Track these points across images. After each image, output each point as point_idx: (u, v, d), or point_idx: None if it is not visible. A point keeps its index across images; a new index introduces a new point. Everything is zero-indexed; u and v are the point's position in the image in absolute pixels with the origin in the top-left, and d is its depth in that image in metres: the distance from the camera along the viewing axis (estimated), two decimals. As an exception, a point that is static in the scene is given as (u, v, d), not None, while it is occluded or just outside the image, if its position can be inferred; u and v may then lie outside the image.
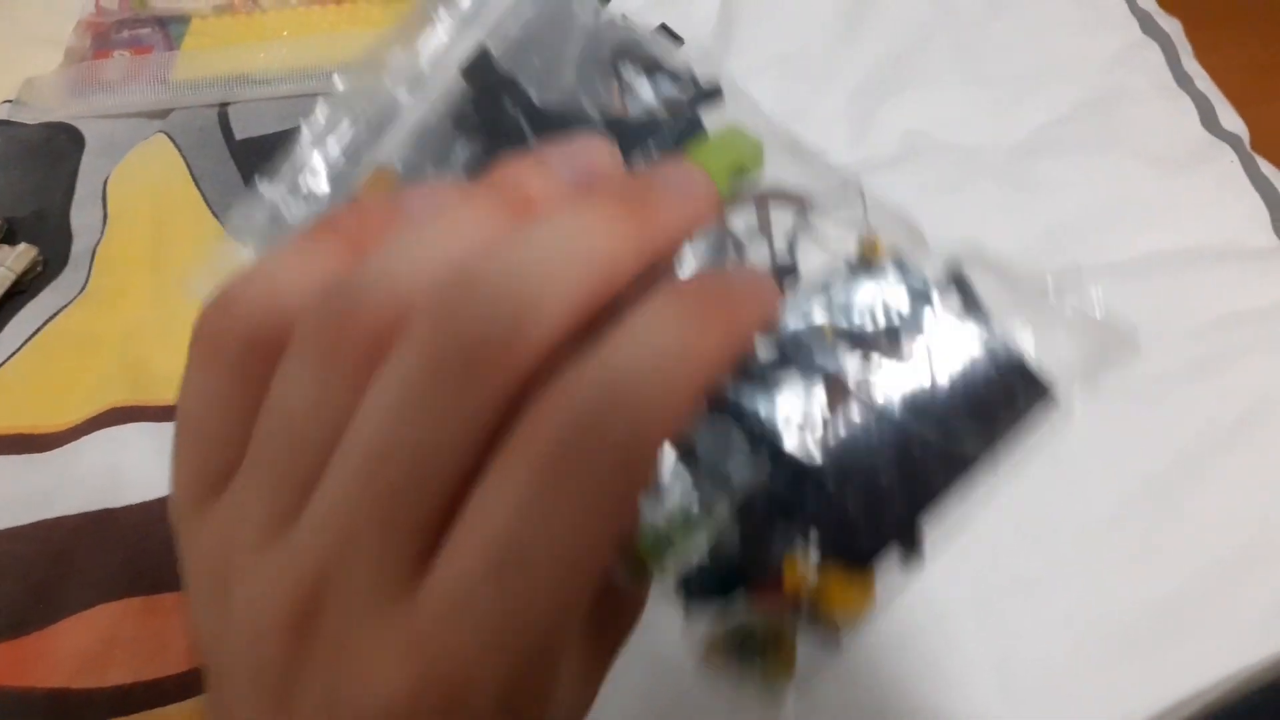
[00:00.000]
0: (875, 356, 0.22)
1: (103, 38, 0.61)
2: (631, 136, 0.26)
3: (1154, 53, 0.55)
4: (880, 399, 0.22)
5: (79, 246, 0.53)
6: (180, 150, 0.55)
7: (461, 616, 0.17)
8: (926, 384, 0.22)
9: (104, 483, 0.44)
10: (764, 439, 0.21)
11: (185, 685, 0.39)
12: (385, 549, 0.17)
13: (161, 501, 0.42)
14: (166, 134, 0.56)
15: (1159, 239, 0.47)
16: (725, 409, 0.22)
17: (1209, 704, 0.37)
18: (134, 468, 0.44)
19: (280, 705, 0.18)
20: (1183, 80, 0.54)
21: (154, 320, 0.49)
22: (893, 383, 0.22)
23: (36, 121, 0.59)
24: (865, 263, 0.24)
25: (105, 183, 0.55)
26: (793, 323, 0.23)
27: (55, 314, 0.50)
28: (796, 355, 0.22)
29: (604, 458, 0.16)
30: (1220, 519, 0.40)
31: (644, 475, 0.17)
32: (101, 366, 0.48)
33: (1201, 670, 0.37)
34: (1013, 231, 0.48)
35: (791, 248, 0.24)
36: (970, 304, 0.23)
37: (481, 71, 0.26)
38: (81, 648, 0.40)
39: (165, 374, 0.47)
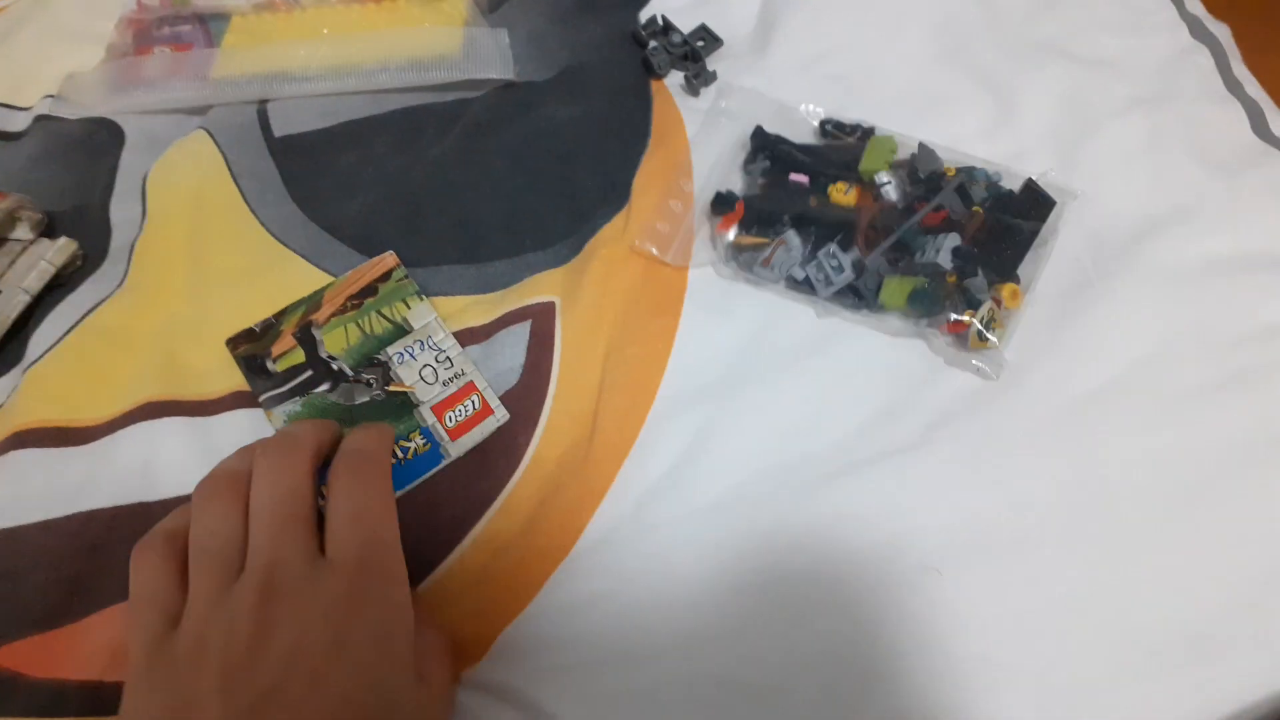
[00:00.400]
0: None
1: (144, 34, 0.61)
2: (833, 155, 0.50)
3: (1204, 58, 0.54)
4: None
5: (118, 241, 0.53)
6: (220, 147, 0.56)
7: (348, 547, 0.34)
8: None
9: (139, 476, 0.44)
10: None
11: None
12: (296, 538, 0.34)
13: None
14: (206, 130, 0.56)
15: (1207, 245, 0.46)
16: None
17: (1253, 723, 0.36)
18: (169, 462, 0.44)
19: (252, 659, 0.31)
20: (1233, 86, 0.53)
21: (190, 316, 0.49)
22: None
23: (77, 117, 0.59)
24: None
25: (145, 178, 0.55)
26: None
27: (93, 308, 0.50)
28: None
29: (364, 469, 0.37)
30: (1262, 532, 0.39)
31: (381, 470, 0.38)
32: (138, 361, 0.48)
33: (1243, 687, 0.37)
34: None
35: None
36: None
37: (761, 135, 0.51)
38: (114, 642, 0.40)
39: (200, 369, 0.47)
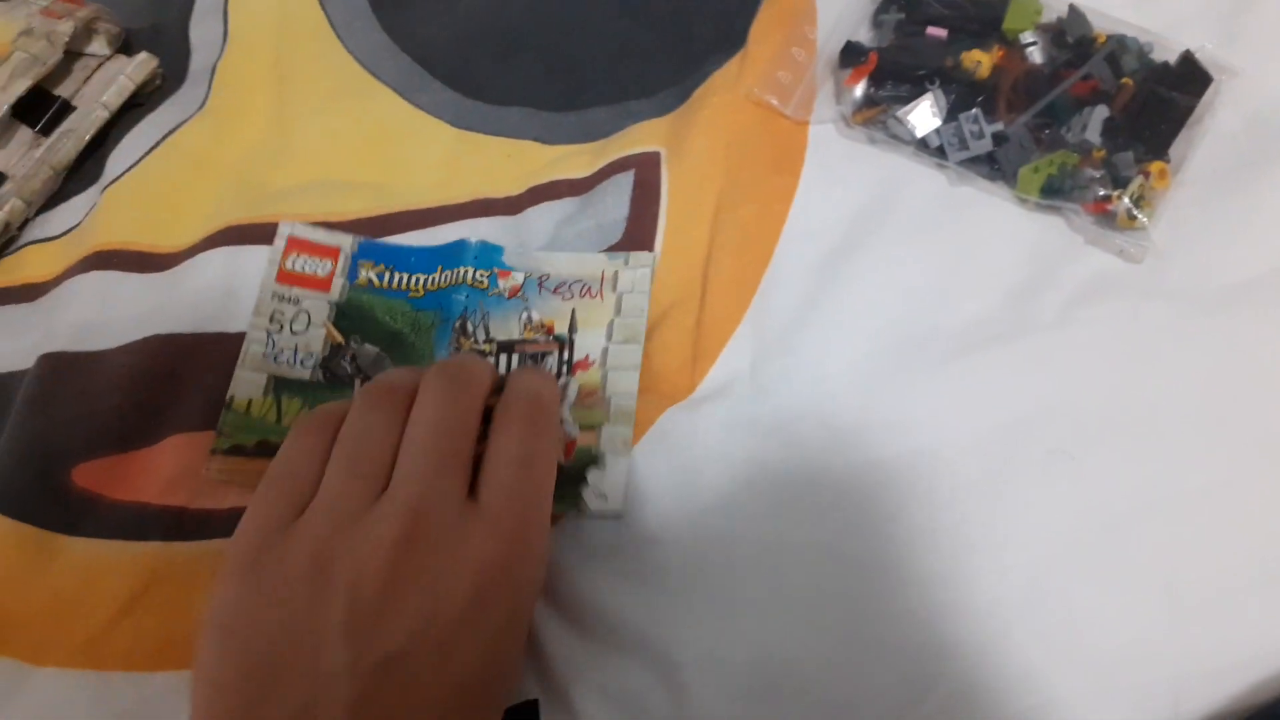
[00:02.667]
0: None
1: None
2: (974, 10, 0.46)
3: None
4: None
5: (198, 63, 0.51)
6: (305, -33, 0.52)
7: (510, 499, 0.31)
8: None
9: (218, 304, 0.42)
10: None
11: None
12: (452, 480, 0.30)
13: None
14: (291, -51, 0.53)
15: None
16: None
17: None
18: (249, 291, 0.42)
19: (382, 611, 0.28)
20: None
21: (274, 141, 0.47)
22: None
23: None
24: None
25: (226, -3, 0.52)
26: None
27: (173, 130, 0.48)
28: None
29: (537, 414, 0.34)
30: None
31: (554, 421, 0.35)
32: (219, 185, 0.46)
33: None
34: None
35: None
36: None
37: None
38: (191, 467, 0.39)
39: (283, 193, 0.45)
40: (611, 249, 0.42)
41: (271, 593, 0.29)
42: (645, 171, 0.44)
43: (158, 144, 0.47)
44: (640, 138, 0.45)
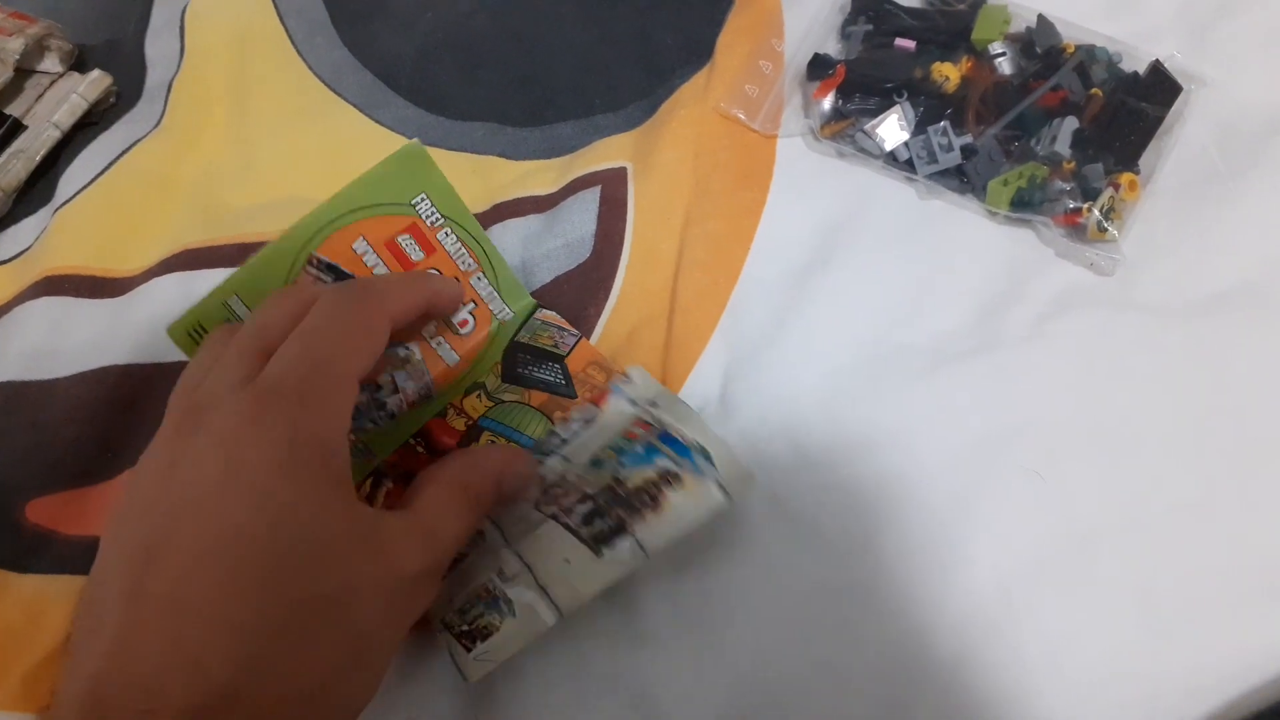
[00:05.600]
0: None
1: None
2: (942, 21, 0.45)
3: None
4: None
5: (153, 79, 0.50)
6: (265, -19, 0.51)
7: (282, 363, 0.29)
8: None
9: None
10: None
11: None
12: (235, 365, 0.29)
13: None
14: (250, -38, 0.52)
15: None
16: None
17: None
18: (209, 317, 0.41)
19: (158, 498, 0.27)
20: None
21: (233, 159, 0.46)
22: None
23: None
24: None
25: (183, 12, 0.51)
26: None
27: (128, 149, 0.46)
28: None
29: (354, 295, 0.31)
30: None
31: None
32: (175, 206, 0.45)
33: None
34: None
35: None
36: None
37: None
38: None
39: (243, 213, 0.44)
40: (578, 268, 0.41)
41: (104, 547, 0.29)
42: (612, 187, 0.43)
43: (112, 164, 0.46)
44: (606, 153, 0.45)
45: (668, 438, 0.34)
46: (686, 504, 0.32)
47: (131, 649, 0.24)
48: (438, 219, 0.37)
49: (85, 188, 0.45)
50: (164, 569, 0.25)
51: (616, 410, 0.36)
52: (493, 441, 0.37)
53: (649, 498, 0.32)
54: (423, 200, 0.36)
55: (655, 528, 0.32)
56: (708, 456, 0.33)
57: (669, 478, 0.32)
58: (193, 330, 0.35)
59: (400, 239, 0.36)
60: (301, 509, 0.27)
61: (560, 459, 0.35)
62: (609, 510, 0.32)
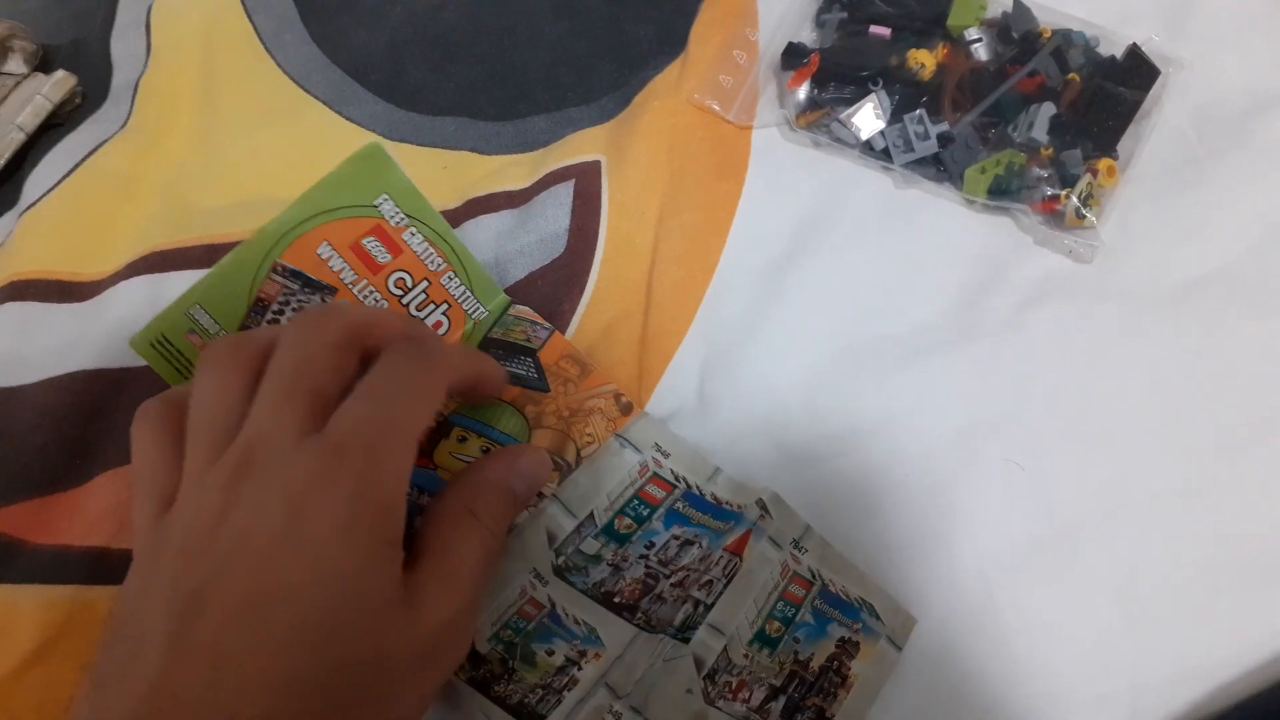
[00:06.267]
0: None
1: None
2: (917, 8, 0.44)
3: None
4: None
5: (120, 79, 0.49)
6: (231, -23, 0.50)
7: (351, 422, 0.28)
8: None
9: (145, 334, 0.40)
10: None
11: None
12: (290, 412, 0.28)
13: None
14: (216, -42, 0.51)
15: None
16: None
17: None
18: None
19: (209, 542, 0.26)
20: None
21: (201, 159, 0.45)
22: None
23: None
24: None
25: (149, 11, 0.50)
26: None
27: (94, 150, 0.45)
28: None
29: (414, 353, 0.30)
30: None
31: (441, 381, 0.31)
32: (143, 208, 0.44)
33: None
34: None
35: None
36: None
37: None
38: (119, 507, 0.37)
39: (212, 213, 0.43)
40: (553, 263, 0.41)
41: (150, 577, 0.27)
42: (585, 181, 0.43)
43: (78, 165, 0.45)
44: (580, 146, 0.44)
45: (830, 596, 0.33)
46: (870, 672, 0.32)
47: (171, 695, 0.24)
48: (402, 219, 0.36)
49: (51, 190, 0.44)
50: (211, 618, 0.25)
51: (759, 554, 0.34)
52: (463, 439, 0.36)
53: (837, 677, 0.32)
54: (385, 201, 0.36)
55: (851, 707, 0.32)
56: (873, 611, 0.33)
57: (849, 648, 0.32)
58: (156, 342, 0.34)
59: (365, 241, 0.36)
60: (356, 573, 0.27)
61: (712, 631, 0.32)
62: (805, 701, 0.31)
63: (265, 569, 0.26)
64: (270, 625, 0.25)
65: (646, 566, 0.33)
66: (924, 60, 0.42)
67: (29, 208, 0.44)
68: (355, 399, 0.28)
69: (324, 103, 0.47)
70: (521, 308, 0.40)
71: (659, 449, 0.36)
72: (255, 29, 0.49)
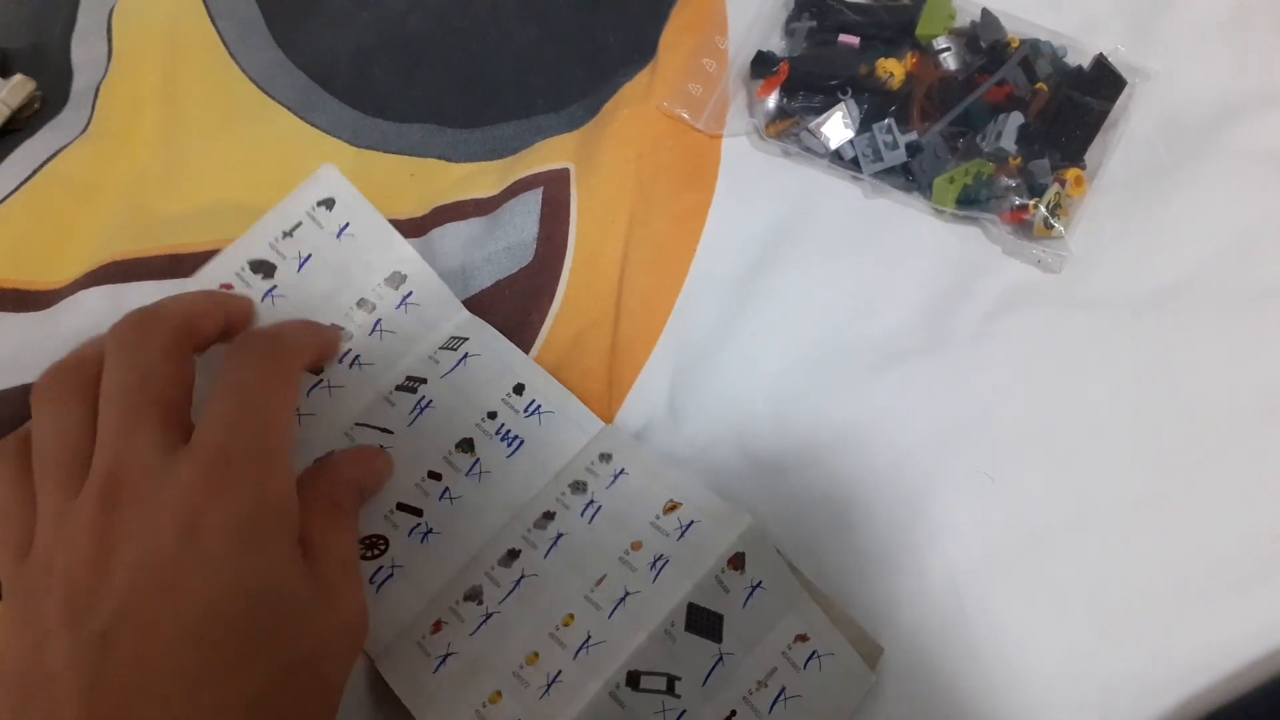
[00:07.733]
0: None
1: None
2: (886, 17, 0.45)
3: None
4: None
5: (80, 83, 0.48)
6: (195, -19, 0.50)
7: (215, 426, 0.27)
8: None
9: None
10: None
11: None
12: (147, 429, 0.27)
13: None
14: (180, -38, 0.50)
15: None
16: None
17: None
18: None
19: (97, 579, 0.25)
20: None
21: (163, 165, 0.44)
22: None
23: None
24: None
25: (110, 14, 0.49)
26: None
27: (53, 155, 0.45)
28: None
29: (264, 347, 0.30)
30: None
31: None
32: (103, 214, 0.43)
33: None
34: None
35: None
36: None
37: None
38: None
39: (174, 220, 0.42)
40: (521, 271, 0.40)
41: (16, 627, 0.26)
42: (554, 189, 0.42)
43: (36, 171, 0.44)
44: (549, 154, 0.44)
45: None
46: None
47: None
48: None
49: (8, 197, 0.43)
50: (124, 658, 0.24)
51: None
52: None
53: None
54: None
55: None
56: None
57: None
58: None
59: None
60: (270, 576, 0.26)
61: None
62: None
63: (171, 596, 0.25)
64: (194, 650, 0.24)
65: None
66: (893, 69, 0.42)
67: (-15, 215, 0.43)
68: (218, 403, 0.28)
69: (289, 109, 0.46)
70: None
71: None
72: (219, 33, 0.48)
